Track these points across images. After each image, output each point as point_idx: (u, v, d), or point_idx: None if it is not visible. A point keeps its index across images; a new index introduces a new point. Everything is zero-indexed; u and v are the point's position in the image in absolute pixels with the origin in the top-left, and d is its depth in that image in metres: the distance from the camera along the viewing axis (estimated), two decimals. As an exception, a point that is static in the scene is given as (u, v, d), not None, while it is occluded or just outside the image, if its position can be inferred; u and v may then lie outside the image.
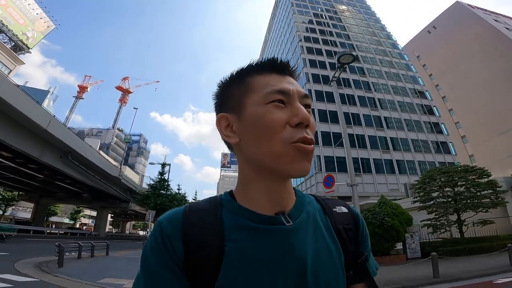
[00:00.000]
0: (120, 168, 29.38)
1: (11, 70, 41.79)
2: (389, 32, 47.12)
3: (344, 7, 50.07)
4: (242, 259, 0.48)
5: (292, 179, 0.56)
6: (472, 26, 44.37)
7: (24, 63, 46.38)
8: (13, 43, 43.16)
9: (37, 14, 47.01)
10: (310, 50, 37.02)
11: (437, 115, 35.55)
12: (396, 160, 29.90)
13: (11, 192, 36.59)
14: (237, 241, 0.49)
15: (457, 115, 45.21)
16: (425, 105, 35.77)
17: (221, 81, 0.58)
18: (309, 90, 31.38)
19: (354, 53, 7.89)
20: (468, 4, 48.93)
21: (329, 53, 37.01)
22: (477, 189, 11.52)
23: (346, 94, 32.55)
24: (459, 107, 44.65)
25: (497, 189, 11.65)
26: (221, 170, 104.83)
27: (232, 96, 0.55)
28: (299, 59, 36.08)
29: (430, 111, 35.42)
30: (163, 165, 24.18)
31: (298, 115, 0.49)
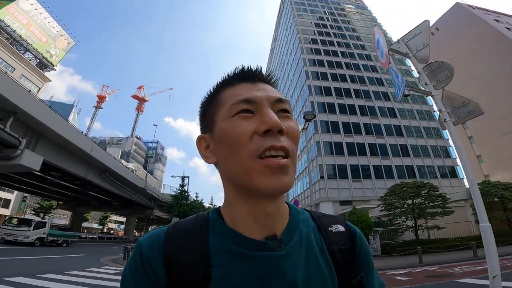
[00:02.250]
0: (146, 179, 33.26)
1: (40, 88, 45.13)
2: (390, 38, 48.83)
3: (345, 14, 52.04)
4: (229, 286, 0.45)
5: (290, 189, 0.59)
6: (473, 27, 45.10)
7: (51, 81, 49.09)
8: (38, 61, 45.19)
9: (57, 31, 48.74)
10: (312, 62, 39.31)
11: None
12: (395, 166, 31.92)
13: (48, 202, 41.44)
14: (225, 267, 0.46)
15: (461, 116, 46.09)
16: (425, 111, 37.39)
17: (201, 102, 0.57)
18: (312, 103, 34.07)
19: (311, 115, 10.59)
20: (468, 5, 49.62)
21: (331, 64, 39.33)
22: (430, 201, 14.27)
23: (347, 104, 35.01)
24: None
25: (447, 200, 14.39)
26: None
27: (208, 115, 0.54)
28: (302, 72, 38.76)
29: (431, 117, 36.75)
30: (183, 178, 28.36)
31: (265, 122, 0.46)
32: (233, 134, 0.47)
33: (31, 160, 14.73)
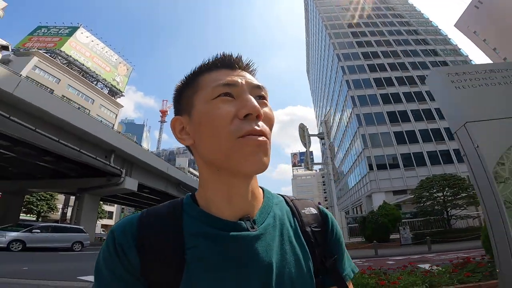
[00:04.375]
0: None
1: (116, 115, 51.57)
2: (427, 18, 45.39)
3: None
4: (204, 268, 0.45)
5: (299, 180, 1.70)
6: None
7: (123, 106, 53.50)
8: (109, 89, 48.93)
9: (115, 59, 51.95)
10: (347, 56, 39.08)
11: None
12: (453, 149, 30.14)
13: (140, 210, 50.38)
14: (199, 249, 0.46)
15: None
16: None
17: (177, 85, 0.57)
18: (352, 97, 34.55)
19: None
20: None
21: (366, 55, 38.64)
22: (457, 193, 14.96)
23: (390, 94, 34.49)
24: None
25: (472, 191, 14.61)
26: (292, 169, 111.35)
27: (184, 97, 0.55)
28: (338, 71, 39.27)
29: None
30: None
31: (245, 106, 0.47)
32: (214, 116, 0.48)
33: (131, 183, 19.84)
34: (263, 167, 0.47)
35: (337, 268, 0.56)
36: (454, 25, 48.61)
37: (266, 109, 0.51)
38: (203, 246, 0.47)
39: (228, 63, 0.53)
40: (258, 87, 0.52)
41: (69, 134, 15.56)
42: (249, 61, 0.55)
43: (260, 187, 0.58)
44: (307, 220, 0.58)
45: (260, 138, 0.46)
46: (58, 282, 5.80)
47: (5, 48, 6.60)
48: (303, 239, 0.54)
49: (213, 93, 0.49)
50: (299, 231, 0.55)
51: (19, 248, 11.18)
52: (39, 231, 12.39)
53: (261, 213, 0.53)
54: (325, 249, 0.57)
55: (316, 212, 0.61)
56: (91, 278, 6.29)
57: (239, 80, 0.50)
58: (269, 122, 0.51)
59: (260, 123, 0.48)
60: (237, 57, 0.54)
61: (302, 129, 5.12)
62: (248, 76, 0.53)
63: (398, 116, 32.87)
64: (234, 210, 0.51)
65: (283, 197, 0.62)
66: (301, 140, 5.03)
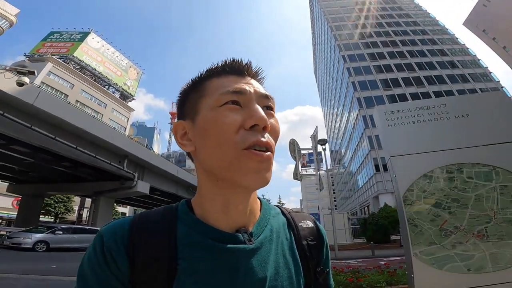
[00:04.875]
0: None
1: (128, 118, 52.81)
2: (434, 18, 44.99)
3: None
4: (196, 280, 0.43)
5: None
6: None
7: (134, 110, 54.30)
8: (120, 93, 49.69)
9: (126, 63, 52.64)
10: (353, 58, 39.27)
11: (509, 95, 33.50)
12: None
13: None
14: (192, 260, 0.45)
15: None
16: (491, 88, 34.12)
17: (182, 88, 0.56)
18: (358, 99, 34.79)
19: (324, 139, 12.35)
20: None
21: (372, 56, 38.79)
22: None
23: (397, 95, 34.54)
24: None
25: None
26: (301, 170, 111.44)
27: (189, 102, 0.53)
28: (344, 72, 39.43)
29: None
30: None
31: (252, 117, 0.45)
32: (219, 124, 0.46)
33: (143, 186, 20.74)
34: (263, 184, 0.46)
35: (327, 283, 0.58)
36: (463, 24, 48.22)
37: (272, 121, 0.50)
38: (197, 257, 0.45)
39: (237, 69, 0.52)
40: (266, 97, 0.51)
41: (85, 141, 16.56)
42: (258, 69, 0.55)
43: (258, 198, 0.57)
44: (304, 233, 0.58)
45: (265, 154, 0.45)
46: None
47: (31, 73, 7.26)
48: (297, 254, 0.54)
49: (220, 100, 0.47)
50: (294, 245, 0.55)
51: (44, 249, 12.11)
52: (61, 232, 13.37)
53: (258, 226, 0.52)
54: (319, 263, 0.57)
55: (313, 225, 0.61)
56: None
57: (248, 88, 0.49)
58: (275, 134, 0.50)
59: (266, 135, 0.47)
60: (246, 63, 0.53)
61: (293, 144, 5.63)
62: (256, 84, 0.52)
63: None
64: (231, 221, 0.49)
65: (280, 209, 0.62)
66: (291, 154, 5.50)
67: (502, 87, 34.20)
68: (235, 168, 0.44)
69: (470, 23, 49.28)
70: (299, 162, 5.48)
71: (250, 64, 0.53)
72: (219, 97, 0.47)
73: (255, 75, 0.54)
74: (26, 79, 6.59)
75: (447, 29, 42.79)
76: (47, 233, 12.83)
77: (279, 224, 0.56)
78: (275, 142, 0.50)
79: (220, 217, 0.49)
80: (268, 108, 0.51)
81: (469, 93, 33.36)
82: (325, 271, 0.58)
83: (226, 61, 0.52)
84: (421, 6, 50.27)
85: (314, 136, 7.48)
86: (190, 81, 0.54)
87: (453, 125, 2.30)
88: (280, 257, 0.51)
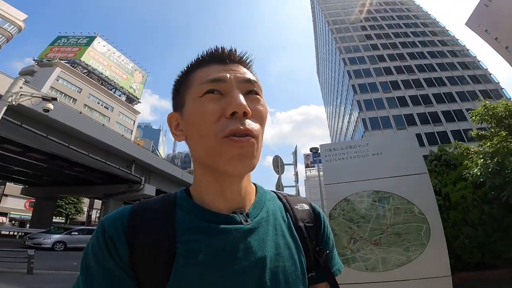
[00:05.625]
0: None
1: (134, 121, 53.38)
2: (435, 19, 45.13)
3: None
4: (195, 261, 0.44)
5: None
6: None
7: (140, 113, 55.14)
8: (126, 96, 50.70)
9: (131, 67, 53.54)
10: (353, 61, 39.79)
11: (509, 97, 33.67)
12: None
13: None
14: (191, 243, 0.46)
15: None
16: (490, 90, 34.15)
17: (174, 80, 0.56)
18: (358, 102, 35.15)
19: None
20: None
21: (373, 59, 39.09)
22: None
23: (396, 97, 34.99)
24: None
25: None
26: (305, 170, 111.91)
27: (178, 94, 0.54)
28: (344, 75, 39.99)
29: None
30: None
31: (231, 104, 0.46)
32: (200, 114, 0.47)
33: (149, 189, 21.90)
34: (248, 169, 0.47)
35: (328, 264, 0.58)
36: (465, 24, 48.41)
37: (257, 106, 0.49)
38: (195, 239, 0.46)
39: (219, 57, 0.51)
40: (249, 81, 0.50)
41: (96, 148, 17.74)
42: (243, 54, 0.54)
43: (253, 183, 0.58)
44: (300, 215, 0.58)
45: (245, 139, 0.45)
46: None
47: (54, 99, 8.08)
48: (296, 234, 0.55)
49: (201, 90, 0.48)
50: (292, 226, 0.56)
51: (62, 248, 13.29)
52: (77, 233, 14.58)
53: (254, 208, 0.53)
54: (318, 244, 0.58)
55: (309, 208, 0.62)
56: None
57: (228, 75, 0.49)
58: (260, 118, 0.49)
59: (248, 121, 0.46)
60: (230, 50, 0.52)
61: (277, 160, 6.39)
62: (240, 69, 0.51)
63: (404, 120, 33.37)
64: (227, 204, 0.50)
65: (276, 193, 0.63)
66: (274, 169, 6.21)
67: (502, 88, 34.41)
68: (217, 156, 0.45)
69: (473, 23, 49.27)
70: (279, 178, 6.31)
71: (233, 50, 0.52)
72: (199, 87, 0.49)
73: (240, 61, 0.53)
74: (50, 106, 7.60)
75: (447, 30, 42.85)
76: (64, 234, 14.05)
77: (275, 207, 0.57)
78: (262, 126, 0.50)
79: (216, 200, 0.50)
80: (252, 93, 0.50)
81: (469, 95, 33.75)
82: (325, 252, 0.58)
83: (208, 51, 0.52)
84: (422, 7, 50.42)
85: (294, 153, 8.30)
86: (180, 73, 0.55)
87: (369, 161, 3.24)
88: (279, 237, 0.52)
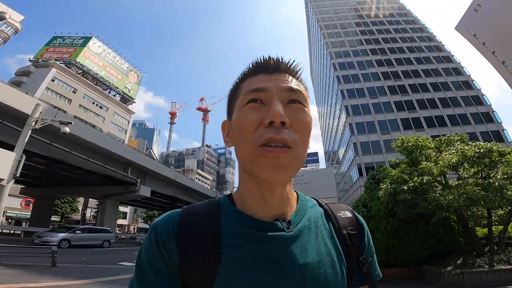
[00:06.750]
0: (216, 190, 41.90)
1: (129, 121, 54.39)
2: (424, 25, 46.67)
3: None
4: (239, 267, 0.46)
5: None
6: None
7: (134, 113, 56.00)
8: (120, 97, 51.08)
9: (126, 67, 53.80)
10: (342, 66, 41.07)
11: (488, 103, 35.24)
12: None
13: (151, 211, 54.15)
14: (235, 248, 0.48)
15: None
16: (471, 96, 35.64)
17: (230, 90, 0.59)
18: (346, 107, 36.48)
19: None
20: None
21: (361, 64, 40.45)
22: None
23: (382, 103, 36.55)
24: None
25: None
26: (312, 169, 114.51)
27: (229, 103, 0.57)
28: (334, 80, 41.24)
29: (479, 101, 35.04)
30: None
31: (269, 114, 0.47)
32: (241, 124, 0.49)
33: (145, 190, 23.26)
34: (282, 178, 0.48)
35: (370, 271, 0.58)
36: (455, 28, 50.04)
37: (298, 115, 0.50)
38: (239, 246, 0.48)
39: (265, 67, 0.53)
40: (292, 90, 0.51)
41: (95, 153, 19.01)
42: (290, 63, 0.54)
43: (295, 191, 0.59)
44: (343, 223, 0.59)
45: (280, 150, 0.46)
46: (109, 265, 9.13)
47: (69, 123, 8.98)
48: (337, 242, 0.55)
49: (244, 100, 0.50)
50: (334, 234, 0.56)
51: (67, 246, 14.53)
52: (80, 232, 15.87)
53: (296, 215, 0.54)
54: (361, 252, 0.59)
55: (351, 215, 0.62)
56: (126, 263, 9.92)
57: (270, 85, 0.50)
58: (300, 128, 0.49)
59: (285, 130, 0.47)
60: (276, 59, 0.54)
61: None
62: (287, 79, 0.52)
63: (388, 125, 34.72)
64: (269, 211, 0.52)
65: (317, 200, 0.64)
66: None
67: (483, 95, 36.16)
68: (255, 164, 0.47)
69: (462, 27, 50.43)
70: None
71: (279, 59, 0.54)
72: (243, 97, 0.51)
73: (287, 70, 0.54)
74: (67, 129, 8.88)
75: (435, 36, 44.38)
76: (69, 233, 15.36)
77: (317, 214, 0.58)
78: (303, 136, 0.49)
79: (258, 207, 0.52)
80: (295, 102, 0.50)
81: (450, 101, 35.41)
82: (368, 260, 0.58)
83: (256, 61, 0.55)
84: (412, 13, 51.78)
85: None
86: (234, 82, 0.58)
87: (302, 189, 4.73)
88: (321, 245, 0.52)
